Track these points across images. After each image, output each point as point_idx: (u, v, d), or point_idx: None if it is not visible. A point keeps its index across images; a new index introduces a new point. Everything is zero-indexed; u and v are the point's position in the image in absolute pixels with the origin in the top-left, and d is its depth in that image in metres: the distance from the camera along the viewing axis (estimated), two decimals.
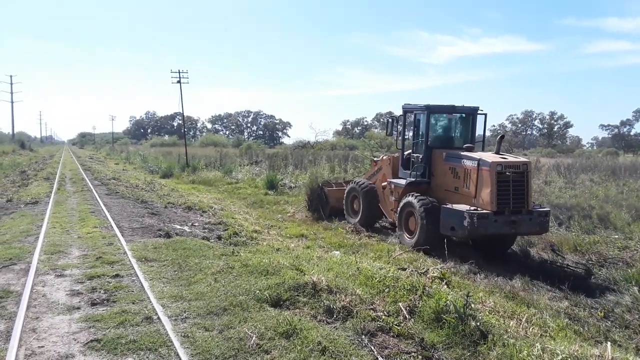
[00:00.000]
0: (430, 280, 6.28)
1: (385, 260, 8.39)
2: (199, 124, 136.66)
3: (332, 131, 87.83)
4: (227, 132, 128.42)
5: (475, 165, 9.49)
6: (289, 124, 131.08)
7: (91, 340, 4.27)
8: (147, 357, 3.96)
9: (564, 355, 4.11)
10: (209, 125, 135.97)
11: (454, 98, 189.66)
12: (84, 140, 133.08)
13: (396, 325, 4.89)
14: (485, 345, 4.49)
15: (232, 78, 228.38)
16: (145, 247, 7.93)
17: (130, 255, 7.30)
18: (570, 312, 6.73)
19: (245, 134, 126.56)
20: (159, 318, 4.77)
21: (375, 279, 6.15)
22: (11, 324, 4.55)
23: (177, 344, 4.16)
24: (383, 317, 5.04)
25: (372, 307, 5.29)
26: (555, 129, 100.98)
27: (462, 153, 10.21)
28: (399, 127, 12.35)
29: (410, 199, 10.44)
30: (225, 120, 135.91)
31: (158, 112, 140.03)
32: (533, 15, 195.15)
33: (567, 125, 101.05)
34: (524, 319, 5.57)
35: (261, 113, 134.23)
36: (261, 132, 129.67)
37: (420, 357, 4.29)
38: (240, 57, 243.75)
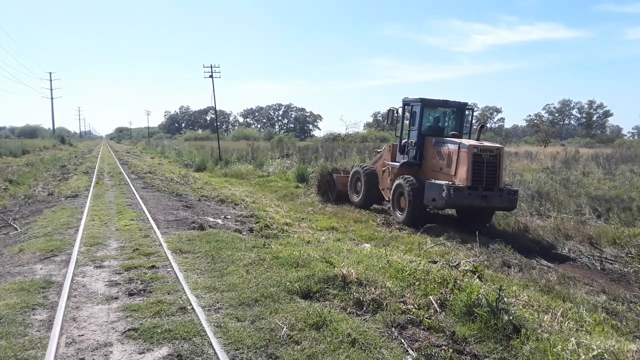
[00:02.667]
0: (462, 274, 6.22)
1: (416, 253, 8.35)
2: (231, 118, 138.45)
3: (363, 123, 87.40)
4: (259, 126, 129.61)
5: (457, 148, 11.32)
6: (319, 117, 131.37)
7: (128, 329, 4.42)
8: (182, 347, 4.07)
9: (599, 351, 4.01)
10: (241, 119, 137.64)
11: (488, 88, 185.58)
12: (121, 135, 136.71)
13: (426, 318, 4.87)
14: (518, 340, 4.42)
15: (264, 72, 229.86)
16: (180, 240, 8.13)
17: (166, 247, 7.49)
18: (607, 307, 6.55)
19: (276, 127, 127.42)
20: (193, 308, 4.89)
21: (406, 271, 6.13)
22: (53, 313, 4.76)
23: (210, 333, 4.26)
24: (413, 310, 5.03)
25: (402, 300, 5.29)
26: (594, 119, 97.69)
27: (447, 139, 12.02)
28: (398, 118, 13.66)
29: (400, 181, 12.27)
30: (256, 114, 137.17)
31: (192, 107, 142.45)
32: (571, 1, 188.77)
33: (607, 114, 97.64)
34: (559, 313, 5.45)
35: (292, 106, 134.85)
36: (292, 125, 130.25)
37: (451, 350, 4.26)
38: (272, 50, 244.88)
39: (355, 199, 14.69)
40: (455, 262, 7.15)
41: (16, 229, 9.39)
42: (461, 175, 11.06)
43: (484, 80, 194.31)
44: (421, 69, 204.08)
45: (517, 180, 18.21)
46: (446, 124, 13.27)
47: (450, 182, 11.06)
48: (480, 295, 5.01)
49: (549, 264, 9.02)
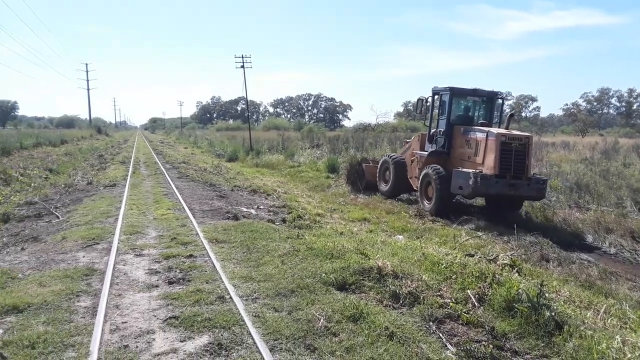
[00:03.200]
0: (501, 268, 6.10)
1: (451, 245, 8.23)
2: (261, 108, 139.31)
3: (393, 113, 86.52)
4: (289, 116, 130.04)
5: (484, 137, 11.34)
6: (349, 107, 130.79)
7: (169, 317, 4.52)
8: (222, 335, 4.14)
9: None
10: (271, 109, 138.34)
11: (522, 76, 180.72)
12: (154, 125, 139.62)
13: (465, 312, 4.80)
14: (560, 337, 4.32)
15: (294, 62, 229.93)
16: (216, 229, 8.25)
17: (202, 236, 7.62)
18: None
19: (306, 117, 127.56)
20: (231, 298, 4.96)
21: (442, 265, 6.06)
22: (96, 300, 4.90)
23: (249, 323, 4.31)
24: (451, 304, 4.97)
25: (439, 293, 5.23)
26: (635, 107, 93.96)
27: (475, 127, 12.07)
28: (428, 107, 13.56)
29: (428, 170, 12.34)
30: (286, 104, 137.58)
31: (223, 97, 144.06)
32: None
33: None
34: (602, 310, 5.29)
35: (322, 96, 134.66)
36: (322, 115, 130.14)
37: (491, 346, 4.20)
38: (301, 41, 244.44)
39: (384, 188, 14.86)
40: (492, 255, 7.01)
41: (58, 217, 9.71)
42: (489, 163, 11.11)
43: (517, 68, 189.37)
44: (452, 57, 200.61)
45: (555, 171, 17.72)
46: (476, 113, 13.22)
47: (477, 170, 11.09)
48: (520, 290, 4.91)
49: (589, 258, 8.78)
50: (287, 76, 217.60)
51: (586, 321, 4.66)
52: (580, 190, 14.29)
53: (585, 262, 8.36)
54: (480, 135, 11.56)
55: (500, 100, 13.26)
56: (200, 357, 3.81)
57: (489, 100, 13.05)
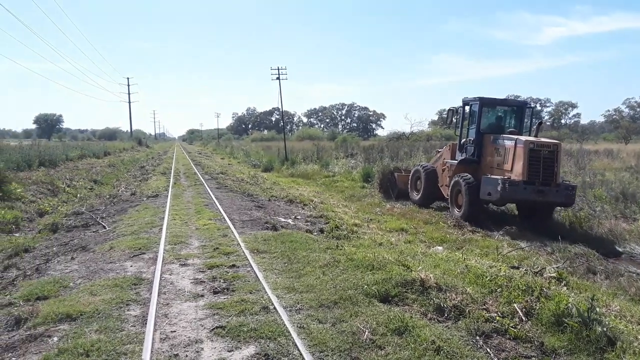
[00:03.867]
0: (547, 281, 5.95)
1: (493, 257, 8.07)
2: (295, 118, 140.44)
3: (428, 121, 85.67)
4: (322, 126, 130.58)
5: (513, 144, 11.61)
6: (382, 116, 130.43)
7: (216, 327, 4.61)
8: (268, 346, 4.19)
9: None
10: (305, 119, 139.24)
11: (562, 82, 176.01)
12: (192, 136, 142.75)
13: (512, 327, 4.70)
14: (613, 353, 4.19)
15: (327, 73, 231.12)
16: (256, 239, 8.36)
17: (244, 246, 7.74)
18: None
19: (340, 126, 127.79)
20: (275, 308, 5.02)
21: (486, 277, 5.96)
22: (146, 309, 5.05)
23: (294, 334, 4.36)
24: (497, 318, 4.87)
25: (484, 307, 5.13)
26: None
27: (504, 135, 12.33)
28: (458, 117, 13.98)
29: (458, 179, 12.63)
30: (320, 114, 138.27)
31: (258, 108, 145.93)
32: None
33: None
34: None
35: (355, 105, 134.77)
36: (355, 125, 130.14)
37: None
38: (334, 51, 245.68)
39: (415, 196, 15.24)
40: (537, 267, 6.84)
41: (105, 227, 10.05)
42: (517, 170, 11.37)
43: (557, 74, 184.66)
44: (489, 64, 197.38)
45: (599, 180, 17.15)
46: (506, 123, 13.47)
47: (505, 177, 11.38)
48: (570, 305, 4.78)
49: (638, 270, 8.45)
50: (321, 87, 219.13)
51: (639, 337, 4.49)
52: (626, 200, 13.78)
53: (634, 274, 8.07)
54: (509, 143, 11.82)
55: (529, 110, 13.66)
56: None
57: (519, 109, 13.41)
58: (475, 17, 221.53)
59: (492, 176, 11.75)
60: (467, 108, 13.56)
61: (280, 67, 34.28)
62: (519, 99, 13.22)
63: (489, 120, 13.40)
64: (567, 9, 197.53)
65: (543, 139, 11.95)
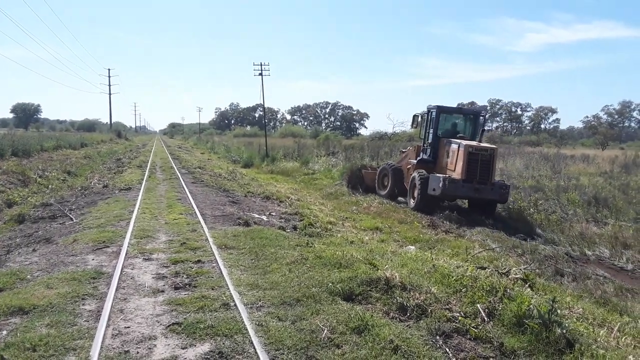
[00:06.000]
0: (513, 282, 5.96)
1: (463, 257, 8.07)
2: (279, 115, 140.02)
3: (410, 122, 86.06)
4: (306, 123, 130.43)
5: (457, 147, 13.19)
6: (366, 115, 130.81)
7: (172, 324, 4.49)
8: (223, 343, 4.09)
9: None
10: (288, 117, 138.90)
11: (543, 87, 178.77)
12: (173, 130, 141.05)
13: (473, 327, 4.67)
14: (571, 355, 4.18)
15: (312, 70, 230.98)
16: (226, 235, 8.23)
17: (212, 242, 7.60)
18: None
19: (323, 124, 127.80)
20: (235, 305, 4.92)
21: (452, 277, 5.93)
22: (101, 304, 4.90)
23: (251, 332, 4.26)
24: (459, 318, 4.84)
25: (447, 307, 5.10)
26: None
27: (453, 139, 13.75)
28: (422, 122, 15.40)
29: (414, 174, 14.15)
30: (304, 112, 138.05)
31: (241, 104, 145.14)
32: None
33: None
34: (615, 328, 5.13)
35: (339, 104, 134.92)
36: (338, 123, 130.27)
37: None
38: (319, 48, 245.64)
39: (382, 192, 16.42)
40: (505, 269, 6.85)
41: (72, 219, 9.81)
42: (458, 170, 12.96)
43: (538, 79, 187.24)
44: (472, 68, 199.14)
45: (573, 184, 17.39)
46: (461, 128, 15.00)
47: (447, 175, 12.93)
48: (531, 306, 4.76)
49: (606, 274, 8.53)
50: (305, 85, 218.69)
51: (599, 339, 4.51)
52: (599, 204, 13.98)
53: (601, 277, 8.14)
54: (454, 147, 13.41)
55: (482, 118, 15.21)
56: None
57: (475, 117, 15.11)
58: (458, 21, 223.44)
59: (437, 174, 13.28)
60: (429, 114, 14.96)
61: (263, 63, 34.02)
62: (473, 108, 15.90)
63: (446, 126, 14.92)
64: (549, 16, 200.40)
65: (482, 144, 13.41)
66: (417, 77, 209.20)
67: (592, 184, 17.72)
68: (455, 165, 13.15)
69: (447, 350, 4.23)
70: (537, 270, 7.91)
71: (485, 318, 4.89)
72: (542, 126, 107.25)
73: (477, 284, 5.64)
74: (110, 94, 79.09)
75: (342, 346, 4.11)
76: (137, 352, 3.94)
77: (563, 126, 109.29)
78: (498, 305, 5.07)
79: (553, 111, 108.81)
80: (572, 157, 30.51)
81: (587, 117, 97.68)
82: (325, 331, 4.33)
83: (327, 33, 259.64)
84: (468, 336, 4.56)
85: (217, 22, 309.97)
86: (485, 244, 9.86)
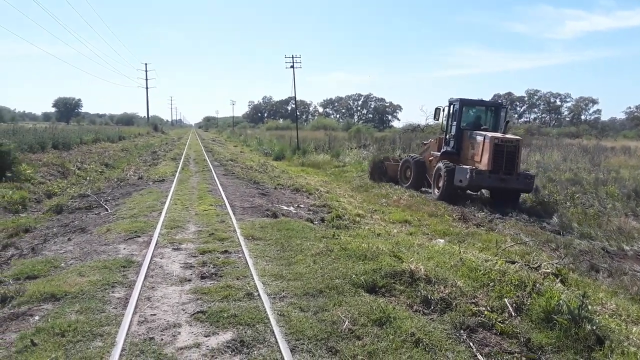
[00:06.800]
0: (543, 277, 5.79)
1: (493, 251, 7.90)
2: (311, 108, 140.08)
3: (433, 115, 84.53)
4: (338, 116, 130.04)
5: (482, 139, 13.57)
6: (399, 107, 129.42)
7: (197, 312, 4.57)
8: (245, 333, 4.14)
9: None
10: (321, 109, 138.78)
11: (583, 77, 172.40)
12: (208, 123, 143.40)
13: (499, 322, 4.57)
14: (601, 352, 4.05)
15: (344, 62, 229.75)
16: (253, 226, 8.31)
17: (239, 233, 7.70)
18: None
19: (355, 117, 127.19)
20: (259, 295, 4.96)
21: (480, 271, 5.82)
22: (130, 292, 5.03)
23: (273, 321, 4.29)
24: (485, 312, 4.75)
25: (473, 301, 5.01)
26: None
27: (477, 132, 14.16)
28: (444, 115, 15.73)
29: (439, 165, 14.56)
30: (336, 104, 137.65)
31: (274, 97, 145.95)
32: None
33: None
34: None
35: (371, 96, 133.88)
36: (371, 116, 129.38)
37: (524, 358, 3.98)
38: (352, 40, 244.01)
39: (405, 184, 16.91)
40: (536, 263, 6.67)
41: (107, 210, 10.10)
42: (484, 161, 13.35)
43: (578, 69, 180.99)
44: (508, 57, 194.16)
45: (612, 177, 16.76)
46: (483, 120, 15.24)
47: (474, 167, 13.33)
48: (561, 301, 4.62)
49: None
50: (337, 77, 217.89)
51: (631, 337, 4.33)
52: (639, 198, 13.42)
53: (639, 273, 7.82)
54: (479, 138, 13.78)
55: (504, 110, 15.58)
56: (222, 353, 3.82)
57: (496, 109, 15.41)
58: (494, 10, 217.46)
59: (464, 166, 13.65)
60: (451, 107, 15.29)
61: (294, 55, 34.09)
62: (495, 101, 16.39)
63: (469, 118, 15.28)
64: (590, 3, 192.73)
65: (507, 136, 13.76)
66: (451, 67, 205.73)
67: (633, 177, 17.02)
68: (481, 157, 13.49)
69: (471, 344, 4.15)
70: (570, 265, 7.68)
71: (513, 313, 4.78)
72: (582, 117, 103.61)
73: (505, 278, 5.52)
74: (147, 88, 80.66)
75: (362, 338, 4.09)
76: (162, 339, 4.03)
77: (604, 117, 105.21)
78: (526, 300, 4.95)
79: (594, 102, 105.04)
80: (613, 149, 29.39)
81: (630, 107, 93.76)
82: (347, 322, 4.32)
83: (361, 25, 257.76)
84: (494, 331, 4.47)
85: (251, 15, 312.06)
86: (518, 237, 9.63)
